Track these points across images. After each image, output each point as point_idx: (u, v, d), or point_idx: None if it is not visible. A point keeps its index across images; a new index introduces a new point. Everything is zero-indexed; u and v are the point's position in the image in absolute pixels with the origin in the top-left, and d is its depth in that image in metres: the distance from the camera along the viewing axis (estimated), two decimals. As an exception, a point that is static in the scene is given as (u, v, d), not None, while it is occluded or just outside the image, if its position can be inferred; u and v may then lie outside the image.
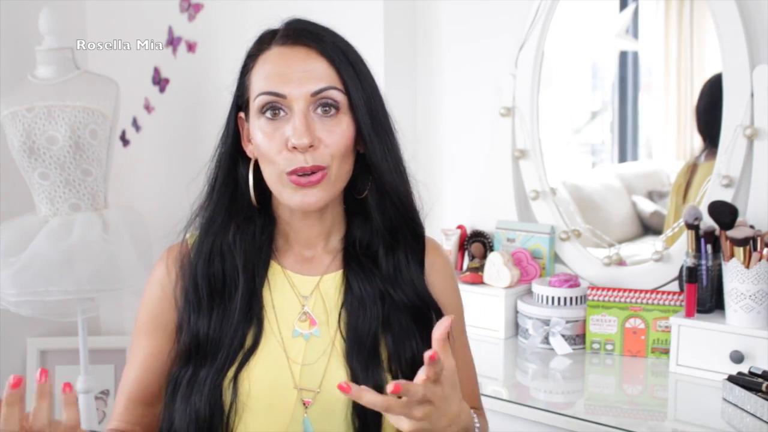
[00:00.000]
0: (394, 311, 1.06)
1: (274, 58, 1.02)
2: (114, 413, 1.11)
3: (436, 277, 1.13)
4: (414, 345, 1.05)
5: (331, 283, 1.09)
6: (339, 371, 1.03)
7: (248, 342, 1.03)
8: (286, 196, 1.01)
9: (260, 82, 1.01)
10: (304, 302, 1.07)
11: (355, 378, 1.01)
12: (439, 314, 1.09)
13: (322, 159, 0.99)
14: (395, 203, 1.07)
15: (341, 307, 1.07)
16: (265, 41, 1.05)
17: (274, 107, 1.00)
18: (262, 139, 1.01)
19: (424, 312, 1.07)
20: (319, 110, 1.00)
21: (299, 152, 0.98)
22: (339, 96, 1.01)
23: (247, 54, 1.06)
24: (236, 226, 1.06)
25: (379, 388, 0.98)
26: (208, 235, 1.06)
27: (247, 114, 1.05)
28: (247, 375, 1.01)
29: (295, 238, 1.09)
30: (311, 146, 0.98)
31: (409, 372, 1.02)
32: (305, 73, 1.00)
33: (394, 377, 1.03)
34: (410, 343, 1.05)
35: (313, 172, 0.99)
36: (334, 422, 1.02)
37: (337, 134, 1.00)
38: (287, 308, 1.06)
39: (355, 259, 1.09)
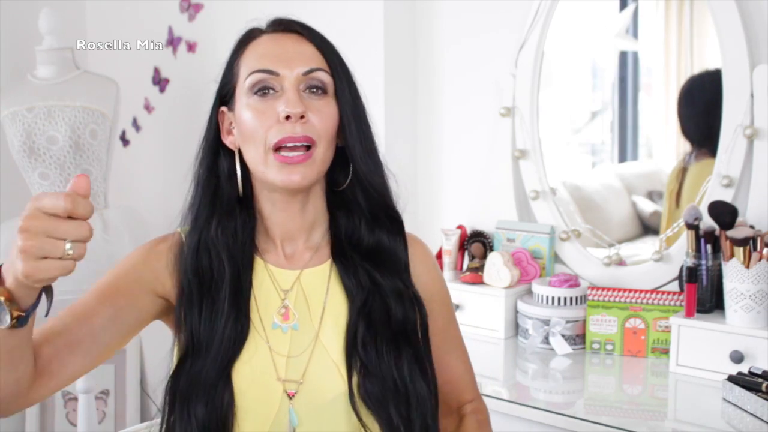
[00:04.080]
0: (379, 317, 1.06)
1: (266, 41, 1.07)
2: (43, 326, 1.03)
3: (420, 269, 1.14)
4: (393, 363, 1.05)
5: (313, 277, 1.09)
6: (323, 362, 1.04)
7: (236, 335, 1.03)
8: (271, 174, 1.02)
9: (252, 62, 1.05)
10: (284, 296, 1.08)
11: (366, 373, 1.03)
12: (421, 303, 1.09)
13: (312, 131, 1.02)
14: (369, 191, 1.09)
15: (325, 298, 1.08)
16: (254, 34, 1.09)
17: (266, 86, 1.03)
18: (251, 117, 1.03)
19: (408, 298, 1.08)
20: (308, 91, 1.04)
21: (291, 122, 1.01)
22: (327, 78, 1.05)
23: (234, 46, 1.10)
24: (218, 221, 1.07)
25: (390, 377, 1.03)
26: (194, 231, 1.07)
27: (231, 104, 1.08)
28: (239, 368, 1.02)
29: (277, 233, 1.10)
30: (302, 117, 1.01)
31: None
32: (297, 54, 1.04)
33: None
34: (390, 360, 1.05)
35: (302, 145, 1.01)
36: (321, 413, 1.03)
37: (325, 114, 1.04)
38: (269, 301, 1.07)
39: (342, 253, 1.10)
